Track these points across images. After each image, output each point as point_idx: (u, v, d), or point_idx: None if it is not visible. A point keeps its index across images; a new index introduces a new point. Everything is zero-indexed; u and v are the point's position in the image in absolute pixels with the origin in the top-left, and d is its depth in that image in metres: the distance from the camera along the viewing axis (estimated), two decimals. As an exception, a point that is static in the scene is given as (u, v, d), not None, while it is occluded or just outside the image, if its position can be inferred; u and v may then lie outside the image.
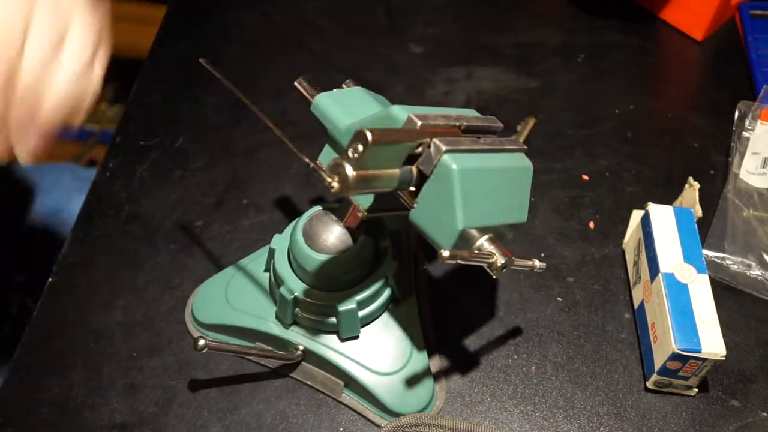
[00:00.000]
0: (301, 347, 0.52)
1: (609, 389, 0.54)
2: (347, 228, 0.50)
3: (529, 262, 0.45)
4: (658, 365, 0.52)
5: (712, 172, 0.68)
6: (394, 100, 0.49)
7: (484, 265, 0.42)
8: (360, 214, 0.47)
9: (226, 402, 0.53)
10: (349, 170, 0.37)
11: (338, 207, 0.50)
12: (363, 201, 0.46)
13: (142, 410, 0.52)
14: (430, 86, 0.75)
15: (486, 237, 0.42)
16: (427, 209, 0.42)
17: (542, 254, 0.62)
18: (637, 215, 0.62)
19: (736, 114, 0.69)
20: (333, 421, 0.52)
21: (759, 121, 0.67)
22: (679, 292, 0.52)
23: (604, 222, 0.64)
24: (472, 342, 0.57)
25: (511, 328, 0.57)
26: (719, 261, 0.60)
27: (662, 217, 0.56)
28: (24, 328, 0.57)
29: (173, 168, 0.67)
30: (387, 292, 0.52)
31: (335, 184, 0.37)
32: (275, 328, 0.53)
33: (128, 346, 0.55)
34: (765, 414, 0.53)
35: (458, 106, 0.72)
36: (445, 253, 0.38)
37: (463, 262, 0.40)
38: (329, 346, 0.52)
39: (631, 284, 0.59)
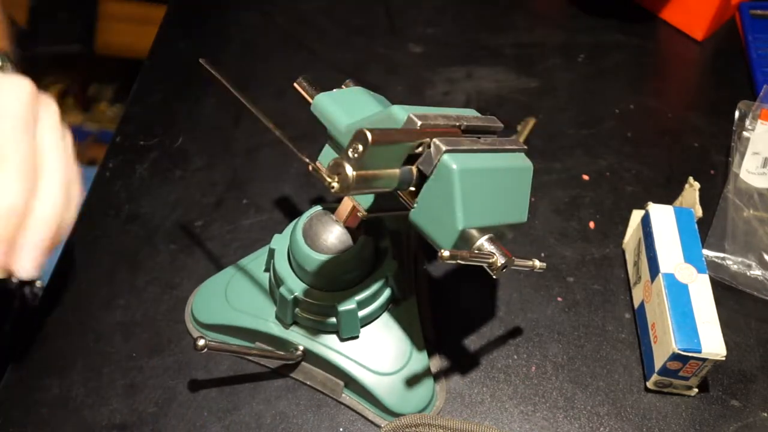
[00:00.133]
0: (301, 347, 0.52)
1: (609, 389, 0.54)
2: (347, 228, 0.50)
3: (529, 262, 0.45)
4: (658, 365, 0.52)
5: (712, 172, 0.68)
6: (394, 100, 0.49)
7: (484, 265, 0.41)
8: (360, 214, 0.47)
9: (226, 402, 0.53)
10: (349, 170, 0.37)
11: (338, 207, 0.50)
12: (363, 201, 0.46)
13: (142, 410, 0.52)
14: (430, 86, 0.75)
15: (486, 237, 0.42)
16: (427, 209, 0.42)
17: (542, 254, 0.62)
18: (637, 215, 0.62)
19: (737, 114, 0.69)
20: (333, 421, 0.52)
21: (759, 121, 0.67)
22: (679, 292, 0.52)
23: (604, 222, 0.64)
24: (472, 342, 0.57)
25: (511, 328, 0.57)
26: (719, 261, 0.60)
27: (662, 217, 0.56)
28: (24, 328, 0.57)
29: (173, 168, 0.67)
30: (387, 292, 0.52)
31: (335, 184, 0.37)
32: (275, 328, 0.53)
33: (128, 346, 0.55)
34: (765, 414, 0.53)
35: (458, 106, 0.72)
36: (445, 253, 0.38)
37: (463, 262, 0.40)
38: (329, 346, 0.52)
39: (632, 284, 0.59)
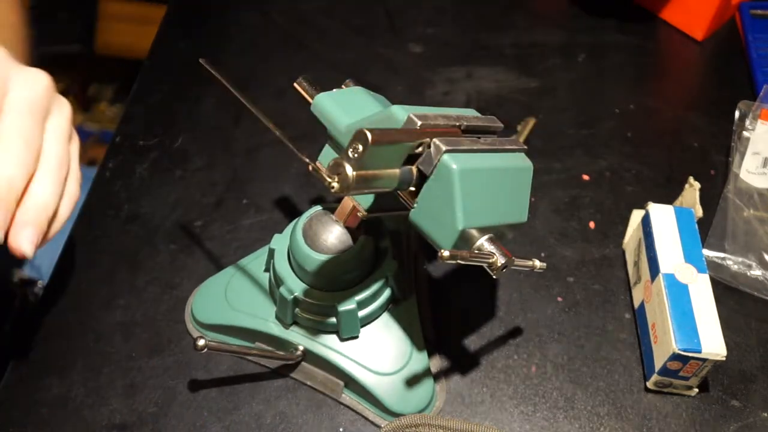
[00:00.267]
0: (301, 347, 0.52)
1: (609, 389, 0.54)
2: (347, 228, 0.50)
3: (529, 262, 0.45)
4: (658, 365, 0.52)
5: (712, 172, 0.68)
6: (394, 100, 0.49)
7: (484, 265, 0.41)
8: (360, 214, 0.47)
9: (225, 402, 0.53)
10: (349, 170, 0.37)
11: (338, 207, 0.50)
12: (363, 201, 0.46)
13: (142, 410, 0.52)
14: (430, 86, 0.75)
15: (486, 237, 0.42)
16: (427, 209, 0.42)
17: (542, 254, 0.62)
18: (637, 215, 0.62)
19: (737, 114, 0.69)
20: (333, 421, 0.52)
21: (759, 121, 0.67)
22: (679, 292, 0.52)
23: (604, 222, 0.64)
24: (472, 342, 0.57)
25: (511, 328, 0.57)
26: (720, 261, 0.60)
27: (662, 217, 0.56)
28: (24, 328, 0.57)
29: (173, 168, 0.67)
30: (387, 292, 0.52)
31: (335, 184, 0.37)
32: (275, 328, 0.53)
33: (128, 346, 0.55)
34: (765, 414, 0.53)
35: (458, 106, 0.71)
36: (445, 253, 0.38)
37: (463, 262, 0.40)
38: (329, 346, 0.52)
39: (632, 284, 0.59)
